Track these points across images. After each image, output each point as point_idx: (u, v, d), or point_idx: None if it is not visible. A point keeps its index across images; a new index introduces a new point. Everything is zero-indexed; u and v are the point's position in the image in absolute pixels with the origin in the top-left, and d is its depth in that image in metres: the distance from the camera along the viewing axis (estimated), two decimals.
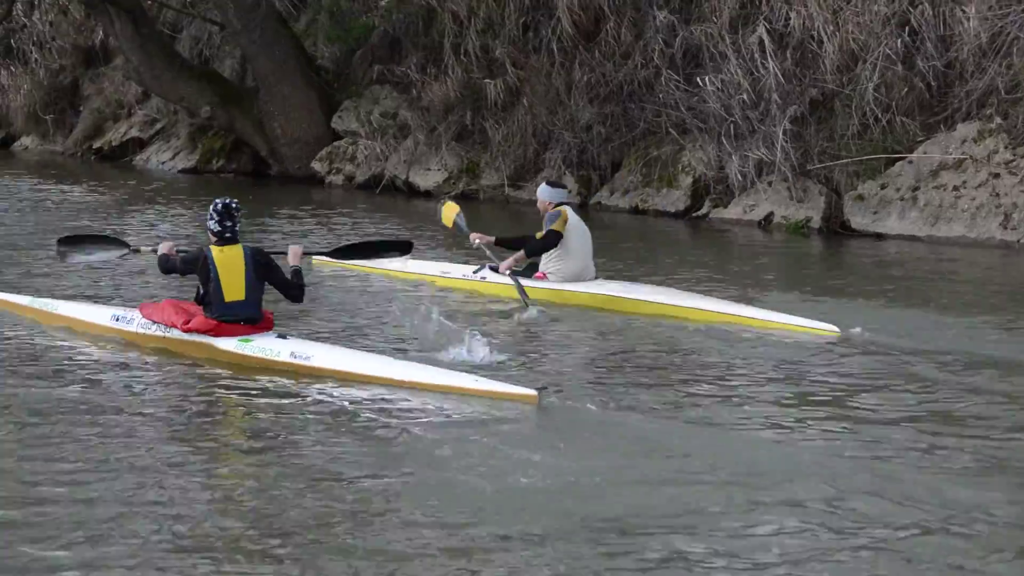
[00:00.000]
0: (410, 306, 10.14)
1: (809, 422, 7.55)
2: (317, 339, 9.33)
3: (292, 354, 8.71)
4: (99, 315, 9.79)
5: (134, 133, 23.87)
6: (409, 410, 7.75)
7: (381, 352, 9.04)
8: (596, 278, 11.57)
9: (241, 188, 20.12)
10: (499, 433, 7.21)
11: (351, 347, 9.10)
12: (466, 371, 8.37)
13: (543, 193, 11.65)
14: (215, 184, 20.59)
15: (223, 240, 9.15)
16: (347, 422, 7.51)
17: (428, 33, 19.51)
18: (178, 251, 9.56)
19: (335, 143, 20.33)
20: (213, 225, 9.17)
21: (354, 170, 19.93)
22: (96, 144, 24.37)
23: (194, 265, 9.14)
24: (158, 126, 23.67)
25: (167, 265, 9.44)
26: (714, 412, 7.78)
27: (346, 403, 7.87)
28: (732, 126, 16.33)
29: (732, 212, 16.39)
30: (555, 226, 11.31)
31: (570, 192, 12.60)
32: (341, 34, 20.90)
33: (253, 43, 20.44)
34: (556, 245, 11.35)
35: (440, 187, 18.73)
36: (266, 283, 9.17)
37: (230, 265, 9.06)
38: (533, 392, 7.99)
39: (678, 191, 17.01)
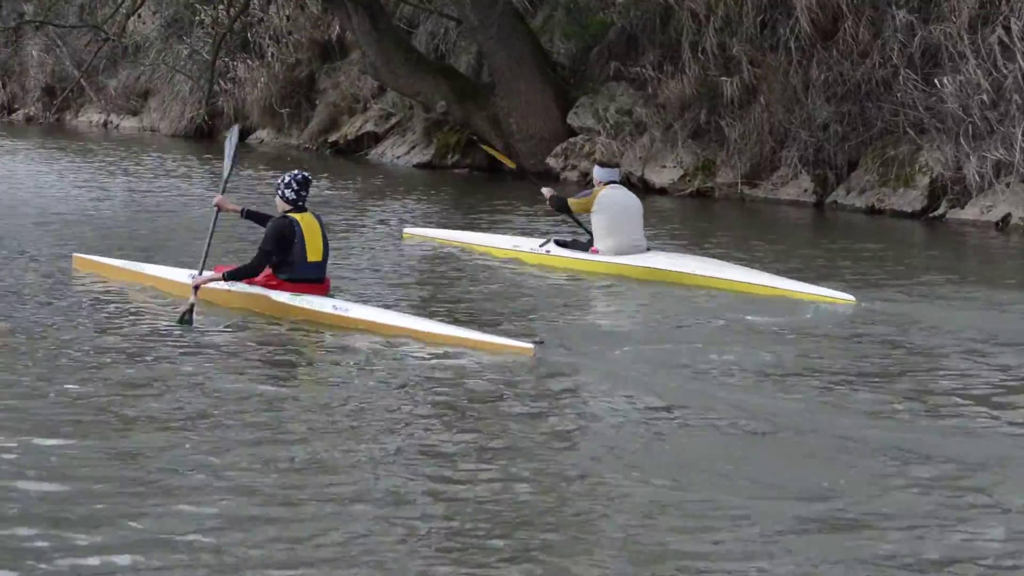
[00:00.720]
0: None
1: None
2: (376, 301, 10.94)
3: (334, 307, 10.16)
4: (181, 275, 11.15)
5: (369, 127, 24.72)
6: None
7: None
8: (648, 250, 12.83)
9: (476, 184, 20.81)
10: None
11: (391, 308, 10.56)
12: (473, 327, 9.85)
13: (595, 173, 13.36)
14: (449, 179, 21.30)
15: (299, 208, 10.43)
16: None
17: (665, 30, 19.90)
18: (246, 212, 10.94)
19: (571, 139, 20.81)
20: (290, 195, 10.42)
21: (590, 166, 20.46)
22: (331, 138, 25.29)
23: (282, 232, 10.29)
24: (393, 121, 24.45)
25: (247, 216, 10.92)
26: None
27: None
28: (970, 126, 16.43)
29: (969, 213, 16.48)
30: (575, 199, 13.29)
31: (620, 170, 14.15)
32: (578, 30, 21.40)
33: (490, 39, 20.94)
34: (561, 212, 13.51)
35: (675, 184, 19.14)
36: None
37: (311, 231, 10.38)
38: (529, 345, 9.27)
39: (915, 191, 17.15)
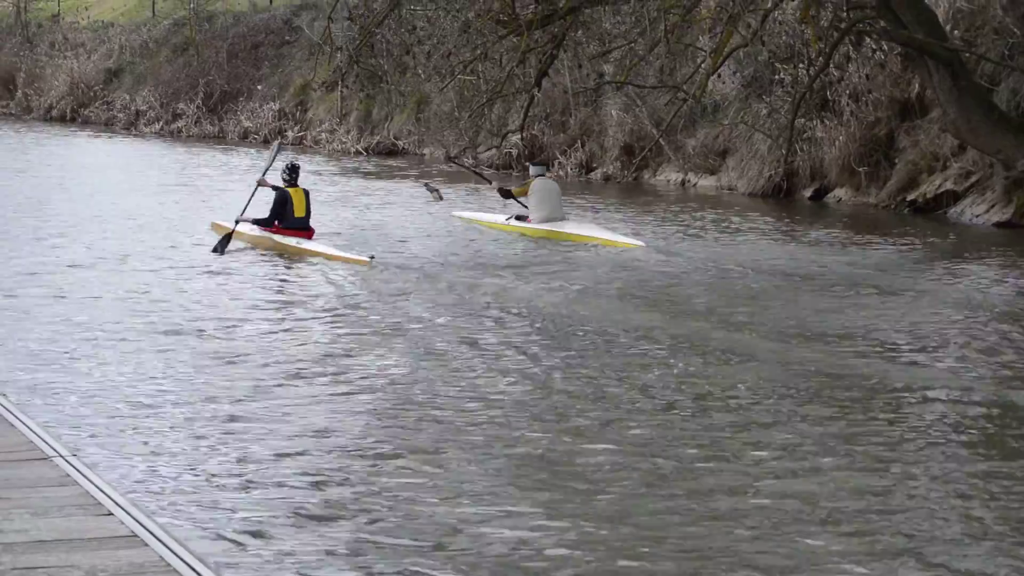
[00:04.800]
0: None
1: None
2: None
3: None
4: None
5: (948, 186, 25.76)
6: None
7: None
8: (564, 220, 22.68)
9: None
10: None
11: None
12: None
13: (530, 170, 23.87)
14: None
15: (291, 184, 20.54)
16: None
17: None
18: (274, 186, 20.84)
19: None
20: (285, 176, 20.58)
21: None
22: (910, 196, 26.47)
23: (277, 195, 20.43)
24: (973, 179, 25.38)
25: (262, 181, 21.08)
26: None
27: None
28: None
29: None
30: (516, 187, 23.48)
31: (548, 168, 26.26)
32: None
33: None
34: (504, 197, 23.41)
35: None
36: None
37: (297, 198, 20.44)
38: (366, 258, 18.79)
39: None
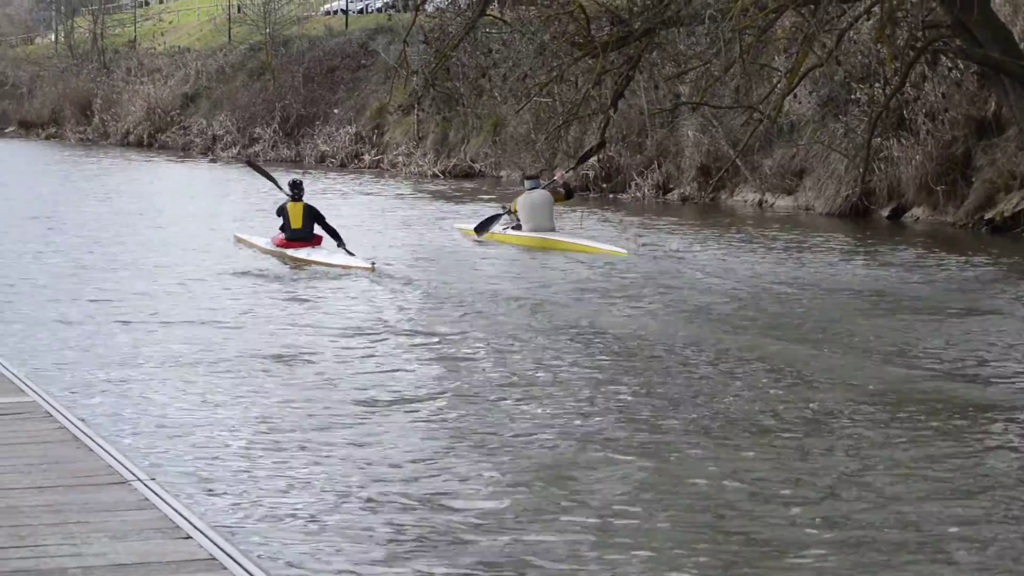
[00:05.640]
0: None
1: None
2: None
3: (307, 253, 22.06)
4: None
5: None
6: None
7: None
8: (553, 230, 24.55)
9: None
10: None
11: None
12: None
13: (525, 184, 25.49)
14: None
15: (293, 199, 22.55)
16: None
17: None
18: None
19: None
20: (288, 190, 22.65)
21: None
22: (987, 215, 26.42)
23: (278, 211, 22.68)
24: None
25: (276, 210, 23.04)
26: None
27: None
28: None
29: None
30: (511, 206, 25.13)
31: (539, 180, 25.91)
32: None
33: None
34: (503, 212, 25.35)
35: None
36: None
37: (294, 211, 22.34)
38: (368, 264, 20.70)
39: None
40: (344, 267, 21.00)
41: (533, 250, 23.70)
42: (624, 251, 22.76)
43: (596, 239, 24.29)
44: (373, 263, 20.80)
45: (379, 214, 31.14)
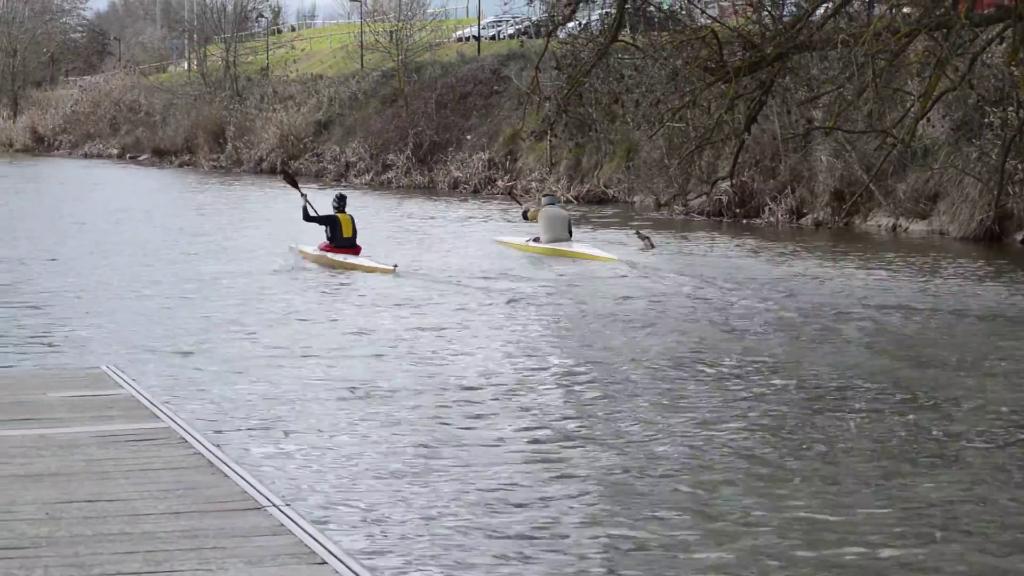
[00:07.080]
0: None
1: None
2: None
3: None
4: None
5: None
6: None
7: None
8: (569, 241, 27.82)
9: None
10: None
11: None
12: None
13: (543, 200, 29.70)
14: None
15: (340, 210, 25.92)
16: None
17: None
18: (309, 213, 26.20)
19: None
20: (334, 203, 26.14)
21: None
22: None
23: (329, 220, 25.81)
24: None
25: (308, 217, 26.18)
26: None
27: None
28: None
29: None
30: (529, 212, 29.45)
31: (556, 199, 32.38)
32: None
33: None
34: (525, 219, 29.90)
35: None
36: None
37: (344, 222, 25.71)
38: (391, 266, 23.92)
39: None
40: (367, 268, 24.34)
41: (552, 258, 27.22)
42: (615, 256, 26.60)
43: (603, 248, 27.69)
44: (395, 265, 24.02)
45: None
